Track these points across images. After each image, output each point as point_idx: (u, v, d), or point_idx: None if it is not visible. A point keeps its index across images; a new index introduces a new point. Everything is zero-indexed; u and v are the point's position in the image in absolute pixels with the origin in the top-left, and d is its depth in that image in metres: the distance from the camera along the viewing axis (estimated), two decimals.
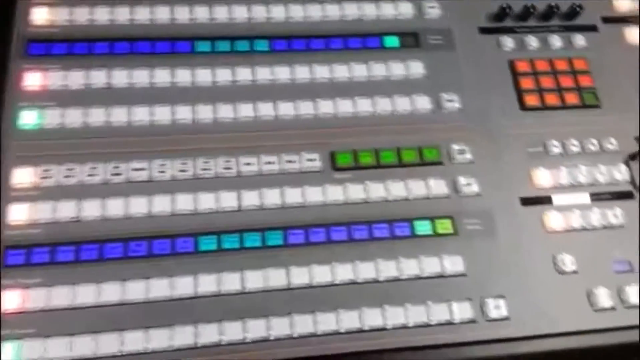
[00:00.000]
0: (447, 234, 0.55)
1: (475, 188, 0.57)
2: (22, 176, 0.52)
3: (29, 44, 0.58)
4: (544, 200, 0.58)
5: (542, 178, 0.58)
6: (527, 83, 0.63)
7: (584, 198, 0.58)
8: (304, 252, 0.53)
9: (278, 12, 0.63)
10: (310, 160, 0.57)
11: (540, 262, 0.55)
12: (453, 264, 0.53)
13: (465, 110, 0.61)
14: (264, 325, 0.50)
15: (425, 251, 0.54)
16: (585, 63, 0.64)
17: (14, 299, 0.48)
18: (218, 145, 0.56)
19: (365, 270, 0.52)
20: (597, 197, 0.59)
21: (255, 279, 0.51)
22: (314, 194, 0.55)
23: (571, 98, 0.63)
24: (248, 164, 0.56)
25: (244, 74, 0.60)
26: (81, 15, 0.60)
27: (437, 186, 0.57)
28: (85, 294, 0.49)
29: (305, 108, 0.59)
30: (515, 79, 0.63)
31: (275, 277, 0.52)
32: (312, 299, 0.51)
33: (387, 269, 0.53)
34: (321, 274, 0.52)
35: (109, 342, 0.48)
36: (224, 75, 0.59)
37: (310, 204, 0.55)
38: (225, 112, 0.58)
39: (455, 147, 0.58)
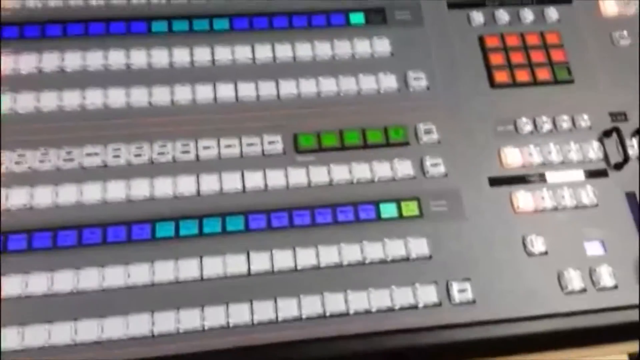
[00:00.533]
0: (412, 216, 0.53)
1: (442, 169, 0.55)
2: None
3: None
4: (513, 180, 0.56)
5: (512, 157, 0.57)
6: (497, 59, 0.61)
7: (555, 177, 0.57)
8: (265, 237, 0.51)
9: None
10: (272, 142, 0.55)
11: (508, 243, 0.54)
12: (418, 246, 0.52)
13: (433, 89, 0.59)
14: (223, 312, 0.48)
15: (390, 234, 0.52)
16: (558, 37, 0.63)
17: None
18: (176, 129, 0.54)
19: (328, 255, 0.51)
20: (569, 176, 0.57)
21: (214, 266, 0.50)
22: (276, 178, 0.54)
23: (543, 74, 0.61)
24: (207, 147, 0.54)
25: (202, 54, 0.58)
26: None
27: (403, 167, 0.55)
28: (38, 283, 0.48)
29: (267, 89, 0.57)
30: (485, 54, 0.61)
31: (234, 263, 0.50)
32: (273, 285, 0.50)
33: (351, 253, 0.51)
34: (283, 259, 0.51)
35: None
36: (181, 55, 0.58)
37: (272, 187, 0.53)
38: (183, 93, 0.56)
39: (422, 126, 0.57)
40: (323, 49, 0.59)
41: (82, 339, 0.47)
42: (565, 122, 0.59)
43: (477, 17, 0.63)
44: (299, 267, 0.51)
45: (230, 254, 0.50)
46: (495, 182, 0.56)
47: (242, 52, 0.58)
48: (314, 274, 0.50)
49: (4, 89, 0.54)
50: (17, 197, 0.50)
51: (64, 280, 0.48)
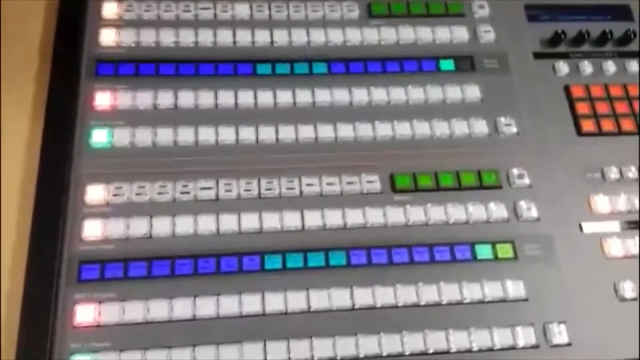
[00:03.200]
0: (507, 258, 0.55)
1: (534, 213, 0.57)
2: (95, 193, 0.54)
3: (98, 64, 0.60)
4: (603, 227, 0.58)
5: (601, 204, 0.59)
6: (583, 108, 0.63)
7: None
8: (366, 273, 0.54)
9: (336, 36, 0.65)
10: (370, 182, 0.58)
11: (600, 288, 0.55)
12: (515, 288, 0.54)
13: (522, 135, 0.62)
14: (330, 344, 0.50)
15: (486, 275, 0.54)
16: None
17: (88, 313, 0.49)
18: (281, 166, 0.58)
19: (428, 293, 0.53)
20: None
21: (320, 299, 0.52)
22: (375, 216, 0.56)
23: (627, 124, 0.63)
24: (310, 184, 0.57)
25: (303, 96, 0.61)
26: (147, 37, 0.62)
27: (497, 210, 0.57)
28: (158, 309, 0.50)
29: (364, 130, 0.60)
30: (571, 104, 0.64)
31: (339, 297, 0.52)
32: (376, 320, 0.52)
33: (449, 292, 0.53)
34: (384, 295, 0.53)
35: (182, 356, 0.49)
36: (284, 97, 0.61)
37: (371, 225, 0.56)
38: (287, 133, 0.59)
39: (515, 171, 0.59)
40: (416, 94, 0.63)
41: None
42: None
43: (563, 67, 0.65)
44: (399, 304, 0.53)
45: (335, 288, 0.53)
46: (586, 227, 0.58)
47: (340, 95, 0.62)
48: (415, 312, 0.52)
49: (122, 123, 0.57)
50: (137, 227, 0.53)
51: (181, 307, 0.50)
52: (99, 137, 0.57)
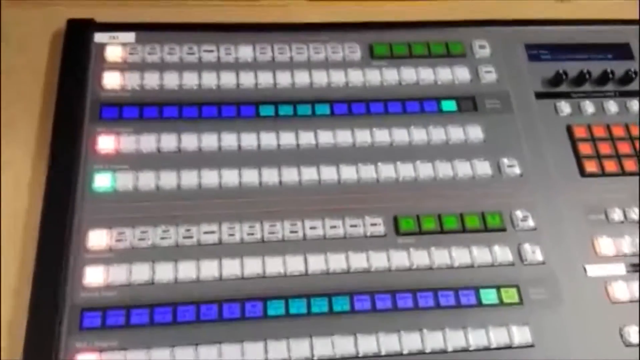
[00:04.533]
0: (512, 303, 0.55)
1: (539, 256, 0.57)
2: (97, 238, 0.54)
3: (102, 107, 0.61)
4: (608, 270, 0.57)
5: (605, 247, 0.58)
6: (585, 149, 0.64)
7: None
8: (371, 320, 0.53)
9: (338, 77, 0.65)
10: (374, 224, 0.58)
11: (606, 333, 0.55)
12: (521, 334, 0.53)
13: (525, 176, 0.61)
14: None
15: (491, 321, 0.54)
16: None
17: None
18: (283, 208, 0.57)
19: (433, 340, 0.52)
20: None
21: (324, 346, 0.51)
22: (379, 259, 0.56)
23: (630, 165, 0.63)
24: (313, 227, 0.57)
25: (306, 138, 0.61)
26: (151, 80, 0.62)
27: (502, 253, 0.57)
28: (160, 358, 0.50)
29: (367, 172, 0.60)
30: (573, 144, 0.64)
31: (342, 345, 0.52)
32: None
33: (454, 338, 0.53)
34: (389, 342, 0.52)
35: None
36: (287, 138, 0.61)
37: (375, 269, 0.55)
38: (289, 175, 0.59)
39: (519, 213, 0.59)
40: (418, 134, 0.63)
41: None
42: None
43: (565, 107, 0.66)
44: (404, 352, 0.52)
45: (338, 335, 0.52)
46: (590, 270, 0.57)
47: (343, 136, 0.62)
48: (419, 359, 0.52)
49: (125, 167, 0.58)
50: (139, 273, 0.53)
51: (183, 356, 0.50)
52: (102, 181, 0.57)
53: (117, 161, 0.58)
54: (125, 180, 0.57)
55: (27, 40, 0.65)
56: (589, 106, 0.66)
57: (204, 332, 0.51)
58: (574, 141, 0.64)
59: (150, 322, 0.51)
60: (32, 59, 0.64)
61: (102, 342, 0.50)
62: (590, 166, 0.62)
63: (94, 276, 0.52)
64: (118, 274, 0.52)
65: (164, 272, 0.53)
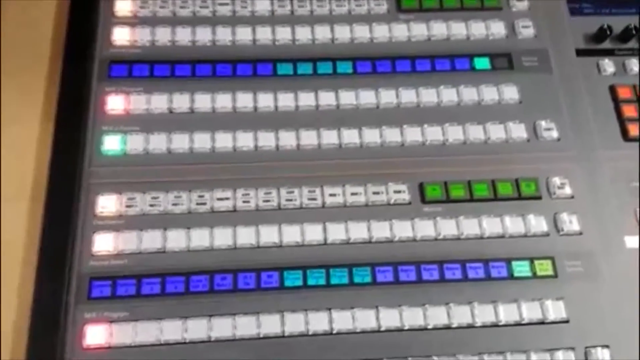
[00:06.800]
0: (547, 276, 0.51)
1: (576, 226, 0.53)
2: (107, 204, 0.51)
3: (111, 65, 0.57)
4: None
5: None
6: (629, 111, 0.58)
7: None
8: (393, 292, 0.50)
9: (362, 32, 0.60)
10: (398, 191, 0.54)
11: None
12: (555, 309, 0.50)
13: (564, 140, 0.57)
14: None
15: (523, 295, 0.50)
16: None
17: (99, 334, 0.47)
18: (302, 175, 0.54)
19: (460, 314, 0.49)
20: None
21: (343, 320, 0.49)
22: (403, 229, 0.52)
23: None
24: (333, 194, 0.53)
25: (327, 98, 0.57)
26: (163, 35, 0.59)
27: (537, 223, 0.53)
28: (172, 330, 0.47)
29: (392, 135, 0.56)
30: (617, 106, 0.59)
31: (363, 318, 0.49)
32: (404, 343, 0.48)
33: (483, 313, 0.49)
34: (412, 317, 0.49)
35: None
36: (306, 99, 0.57)
37: (398, 239, 0.52)
38: (309, 138, 0.55)
39: (556, 180, 0.54)
40: (448, 95, 0.58)
41: None
42: None
43: (608, 66, 0.60)
44: (429, 326, 0.49)
45: (359, 308, 0.49)
46: (630, 242, 0.53)
47: (366, 97, 0.58)
48: (445, 335, 0.49)
49: (136, 129, 0.55)
50: (151, 241, 0.50)
51: (196, 328, 0.48)
52: (111, 144, 0.54)
53: (127, 122, 0.55)
54: (135, 143, 0.54)
55: None
56: (634, 65, 0.60)
57: (218, 303, 0.49)
58: (617, 103, 0.59)
59: (161, 292, 0.49)
60: (39, 14, 0.61)
61: (111, 313, 0.48)
62: (635, 130, 0.57)
63: (103, 243, 0.50)
64: (128, 241, 0.50)
65: (176, 239, 0.50)
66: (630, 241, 0.53)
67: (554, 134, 0.57)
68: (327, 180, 0.54)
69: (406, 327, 0.49)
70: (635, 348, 0.49)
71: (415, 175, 0.55)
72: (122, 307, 0.48)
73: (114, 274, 0.49)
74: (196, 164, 0.54)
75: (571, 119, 0.58)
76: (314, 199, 0.53)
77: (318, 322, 0.49)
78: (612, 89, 0.59)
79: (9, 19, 0.60)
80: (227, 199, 0.52)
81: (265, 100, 0.57)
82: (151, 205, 0.51)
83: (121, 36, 0.58)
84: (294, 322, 0.48)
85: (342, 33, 0.60)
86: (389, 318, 0.49)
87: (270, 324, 0.48)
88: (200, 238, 0.51)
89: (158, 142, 0.54)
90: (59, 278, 0.48)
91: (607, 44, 0.62)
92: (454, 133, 0.56)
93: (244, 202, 0.52)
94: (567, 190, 0.54)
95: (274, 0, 0.61)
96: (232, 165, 0.54)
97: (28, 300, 0.48)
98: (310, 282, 0.50)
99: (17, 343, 0.47)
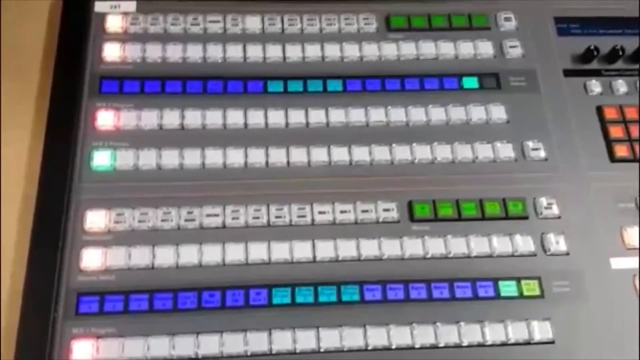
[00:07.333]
0: (533, 296, 0.51)
1: (563, 246, 0.53)
2: (95, 219, 0.51)
3: (101, 81, 0.57)
4: (637, 262, 0.54)
5: (635, 237, 0.54)
6: (616, 131, 0.59)
7: None
8: (381, 311, 0.50)
9: (351, 51, 0.61)
10: (387, 210, 0.54)
11: (633, 329, 0.51)
12: (541, 330, 0.50)
13: (551, 160, 0.57)
14: None
15: (510, 315, 0.50)
16: None
17: (86, 350, 0.47)
18: (291, 192, 0.54)
19: (447, 334, 0.49)
20: None
21: (331, 338, 0.49)
22: (391, 247, 0.53)
23: None
24: (322, 212, 0.54)
25: (317, 116, 0.58)
26: (153, 52, 0.59)
27: (524, 243, 0.53)
28: (159, 347, 0.47)
29: (381, 153, 0.56)
30: (603, 126, 0.59)
31: (351, 337, 0.49)
32: None
33: (470, 333, 0.49)
34: (400, 335, 0.49)
35: None
36: (296, 116, 0.57)
37: (387, 257, 0.52)
38: (298, 155, 0.56)
39: (543, 200, 0.55)
40: (437, 114, 0.59)
41: None
42: None
43: (595, 86, 0.61)
44: (416, 345, 0.49)
45: (347, 327, 0.49)
46: (617, 263, 0.54)
47: (356, 115, 0.58)
48: (433, 354, 0.49)
49: (125, 145, 0.55)
50: (139, 257, 0.50)
51: (185, 345, 0.48)
52: (101, 159, 0.54)
53: (117, 138, 0.55)
54: (125, 159, 0.54)
55: (24, 10, 0.62)
56: (621, 85, 0.61)
57: (206, 320, 0.49)
58: (604, 123, 0.59)
59: (149, 309, 0.49)
60: (30, 29, 0.61)
61: (99, 329, 0.48)
62: (621, 150, 0.58)
63: (91, 259, 0.50)
64: (117, 257, 0.50)
65: (165, 256, 0.50)
66: (616, 262, 0.54)
67: (542, 154, 0.57)
68: (317, 198, 0.54)
69: (393, 346, 0.49)
70: None
71: (404, 194, 0.55)
72: (109, 323, 0.48)
73: (102, 289, 0.49)
74: (186, 181, 0.54)
75: (558, 139, 0.58)
76: (304, 217, 0.53)
77: (306, 340, 0.49)
78: (599, 110, 0.60)
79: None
80: (216, 215, 0.52)
81: (256, 118, 0.57)
82: (140, 221, 0.51)
83: (112, 52, 0.59)
84: (282, 340, 0.48)
85: (332, 51, 0.61)
86: (377, 336, 0.49)
87: (257, 342, 0.48)
88: (189, 254, 0.51)
89: (148, 158, 0.54)
90: (47, 293, 0.48)
91: (594, 65, 0.63)
92: (443, 152, 0.57)
93: (234, 218, 0.52)
94: (555, 211, 0.55)
95: (264, 18, 0.61)
96: (222, 182, 0.54)
97: (15, 314, 0.47)
98: (299, 299, 0.50)
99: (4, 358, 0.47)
